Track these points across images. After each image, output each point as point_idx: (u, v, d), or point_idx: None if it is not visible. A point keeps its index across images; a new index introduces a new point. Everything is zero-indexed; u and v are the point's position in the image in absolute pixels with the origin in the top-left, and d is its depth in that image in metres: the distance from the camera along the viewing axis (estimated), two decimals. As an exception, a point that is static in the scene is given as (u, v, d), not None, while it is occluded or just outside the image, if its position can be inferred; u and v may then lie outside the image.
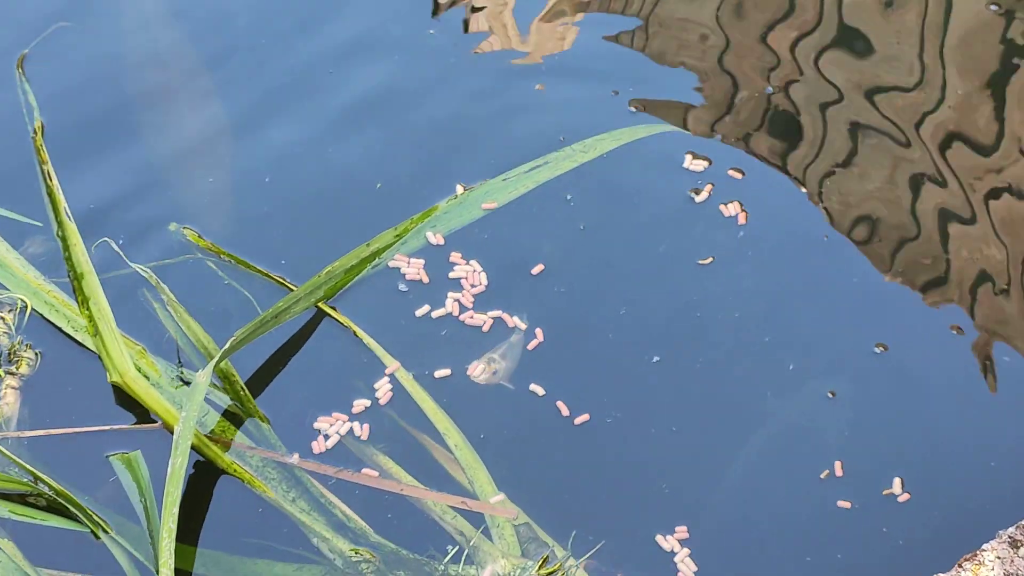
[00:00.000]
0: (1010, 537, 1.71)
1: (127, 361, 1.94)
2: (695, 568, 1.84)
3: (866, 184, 2.31)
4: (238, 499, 1.89)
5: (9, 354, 2.01)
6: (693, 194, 2.25)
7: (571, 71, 2.45)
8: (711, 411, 1.99)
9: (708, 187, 2.25)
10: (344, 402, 1.99)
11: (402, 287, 2.14)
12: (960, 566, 1.68)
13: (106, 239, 2.09)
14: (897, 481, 1.92)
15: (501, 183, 2.26)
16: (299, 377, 2.03)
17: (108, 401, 1.97)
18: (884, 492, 1.92)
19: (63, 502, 1.84)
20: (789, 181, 2.30)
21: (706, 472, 1.93)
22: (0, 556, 1.81)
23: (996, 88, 2.44)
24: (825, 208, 2.27)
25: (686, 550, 1.85)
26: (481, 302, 2.11)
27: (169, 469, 1.77)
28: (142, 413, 1.96)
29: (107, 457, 1.91)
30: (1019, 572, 1.67)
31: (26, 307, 2.05)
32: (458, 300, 2.10)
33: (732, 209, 2.23)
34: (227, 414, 1.97)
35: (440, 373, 2.03)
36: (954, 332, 2.10)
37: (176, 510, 1.74)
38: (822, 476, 1.92)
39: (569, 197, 2.23)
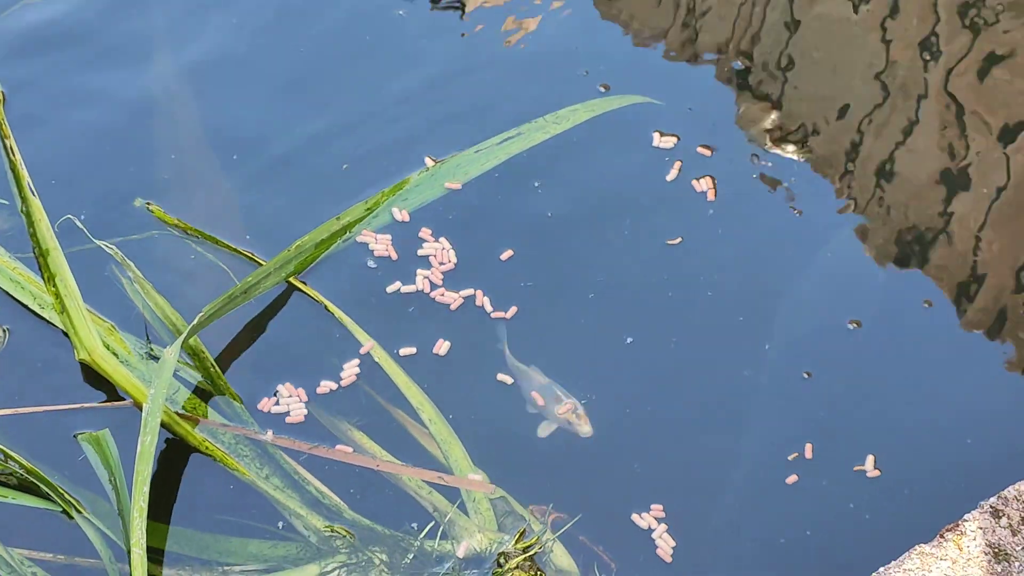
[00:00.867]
0: (991, 507, 1.71)
1: (95, 338, 1.91)
2: (673, 544, 1.84)
3: (838, 158, 2.31)
4: (211, 477, 1.87)
5: (-26, 333, 1.99)
6: (663, 172, 2.23)
7: (544, 50, 2.43)
8: (685, 391, 1.98)
9: (677, 164, 2.24)
10: (316, 377, 1.97)
11: (371, 263, 2.12)
12: (942, 536, 1.68)
13: (70, 216, 2.06)
14: (870, 459, 1.92)
15: (473, 155, 2.24)
16: (270, 353, 2.01)
17: (77, 379, 1.95)
18: (855, 468, 1.91)
19: (34, 481, 1.81)
20: (760, 156, 2.29)
21: (680, 452, 1.92)
22: (-30, 537, 1.79)
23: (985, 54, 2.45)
24: (795, 182, 2.26)
25: (663, 526, 1.84)
26: (451, 280, 2.09)
27: (139, 447, 1.74)
28: (112, 391, 1.94)
29: (75, 436, 1.89)
30: (1001, 542, 1.67)
31: (-9, 285, 2.02)
32: (428, 277, 2.08)
33: (703, 185, 2.21)
34: (198, 391, 1.95)
35: (405, 351, 2.01)
36: (926, 306, 2.11)
37: (147, 488, 1.72)
38: (790, 458, 1.91)
39: (537, 184, 2.20)
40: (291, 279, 2.06)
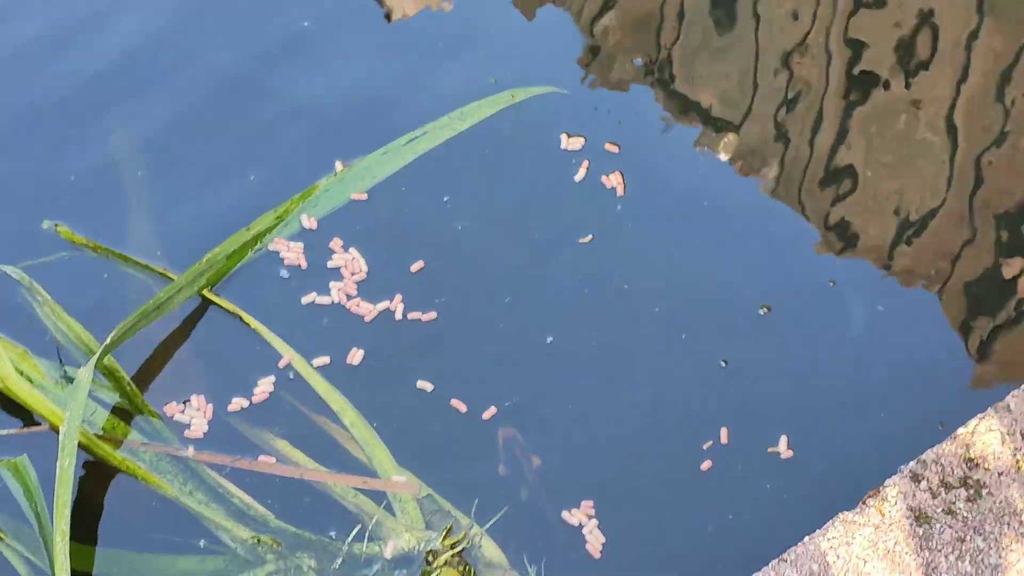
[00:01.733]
0: (911, 472, 1.74)
1: (7, 364, 1.90)
2: (603, 539, 1.85)
3: (746, 142, 2.33)
4: (134, 496, 1.87)
5: None
6: (571, 173, 2.24)
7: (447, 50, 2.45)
8: (607, 387, 1.99)
9: (584, 163, 2.25)
10: (235, 389, 1.97)
11: (283, 273, 2.12)
12: (864, 503, 1.71)
13: (-26, 242, 2.06)
14: (783, 440, 1.94)
15: (381, 157, 2.24)
16: (188, 368, 2.01)
17: (-9, 406, 1.95)
18: (769, 451, 1.93)
19: (-47, 512, 1.82)
20: (666, 149, 2.31)
21: (602, 448, 1.93)
22: None
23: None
24: (702, 172, 2.28)
25: (594, 522, 1.85)
26: (364, 290, 2.09)
27: (57, 470, 1.74)
28: (28, 416, 1.93)
29: (-8, 464, 1.89)
30: (922, 505, 1.70)
31: (-100, 318, 2.02)
32: (341, 289, 2.08)
33: (612, 181, 2.22)
34: (116, 411, 1.95)
35: (319, 361, 2.01)
36: (831, 285, 2.13)
37: (68, 512, 1.71)
38: (704, 447, 1.93)
39: (446, 199, 2.20)
40: (205, 292, 2.06)
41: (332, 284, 2.08)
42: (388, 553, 1.80)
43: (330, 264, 2.11)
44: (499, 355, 2.01)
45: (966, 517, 1.69)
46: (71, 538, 1.71)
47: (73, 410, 1.79)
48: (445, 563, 1.79)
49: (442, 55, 2.43)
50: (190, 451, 1.90)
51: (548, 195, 2.21)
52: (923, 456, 1.77)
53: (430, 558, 1.80)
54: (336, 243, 2.13)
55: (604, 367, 2.00)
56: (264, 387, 1.97)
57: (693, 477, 1.90)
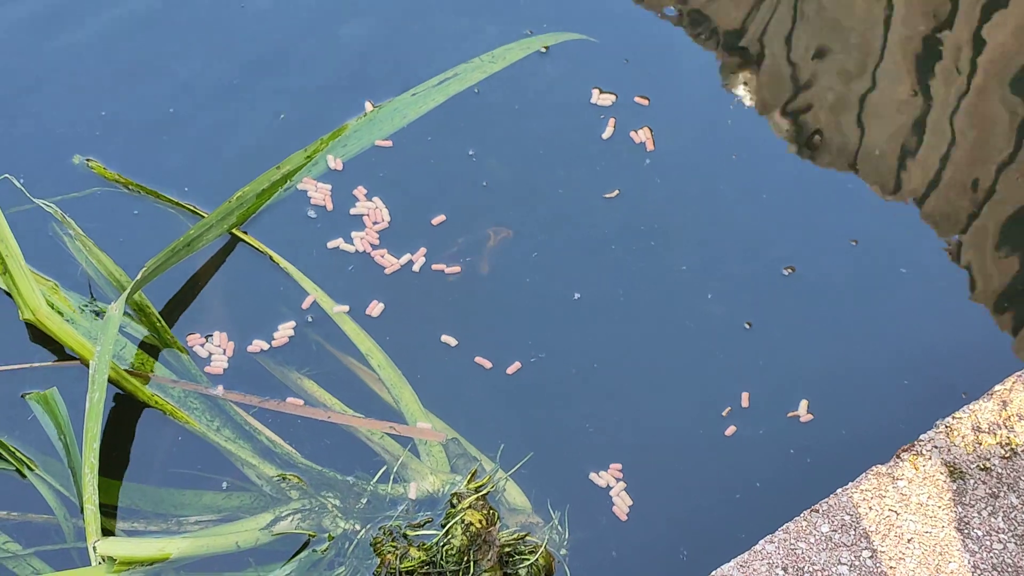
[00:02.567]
0: (946, 427, 1.74)
1: (38, 298, 1.91)
2: (630, 502, 1.85)
3: (776, 98, 2.32)
4: (162, 431, 1.88)
5: (-84, 296, 1.98)
6: (600, 130, 2.22)
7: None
8: (633, 346, 1.99)
9: (612, 121, 2.23)
10: (264, 328, 1.98)
11: (311, 213, 2.12)
12: (898, 457, 1.72)
13: (7, 175, 2.05)
14: (803, 403, 1.94)
15: (410, 98, 2.23)
16: (217, 305, 2.01)
17: (23, 339, 1.94)
18: (788, 415, 1.93)
19: (-15, 441, 1.83)
20: (697, 103, 2.29)
21: (627, 409, 1.92)
22: (-78, 500, 1.80)
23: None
24: (732, 125, 2.27)
25: (622, 484, 1.85)
26: (386, 241, 2.08)
27: (87, 404, 1.75)
28: (58, 349, 1.94)
29: (23, 396, 1.90)
30: (956, 460, 1.71)
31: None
32: (364, 238, 2.08)
33: (641, 136, 2.21)
34: (145, 346, 1.95)
35: (339, 309, 2.01)
36: (852, 244, 2.12)
37: (97, 445, 1.73)
38: (724, 414, 1.93)
39: (471, 152, 2.19)
40: (234, 230, 2.06)
41: (355, 234, 2.07)
42: (412, 494, 1.81)
43: (352, 211, 2.10)
44: (525, 311, 2.01)
45: (1000, 474, 1.69)
46: (98, 471, 1.72)
47: (104, 344, 1.80)
48: (469, 506, 1.80)
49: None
50: (219, 390, 1.91)
51: (576, 150, 2.20)
52: (959, 412, 1.77)
53: (455, 500, 1.81)
54: (360, 191, 2.12)
55: (630, 326, 2.00)
56: (289, 328, 1.97)
57: (718, 442, 1.89)
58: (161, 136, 2.20)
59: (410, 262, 2.05)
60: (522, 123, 2.23)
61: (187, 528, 1.80)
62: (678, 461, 1.87)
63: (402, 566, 1.73)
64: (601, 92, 2.27)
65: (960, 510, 1.66)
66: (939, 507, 1.66)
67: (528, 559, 1.76)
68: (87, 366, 1.87)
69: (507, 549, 1.76)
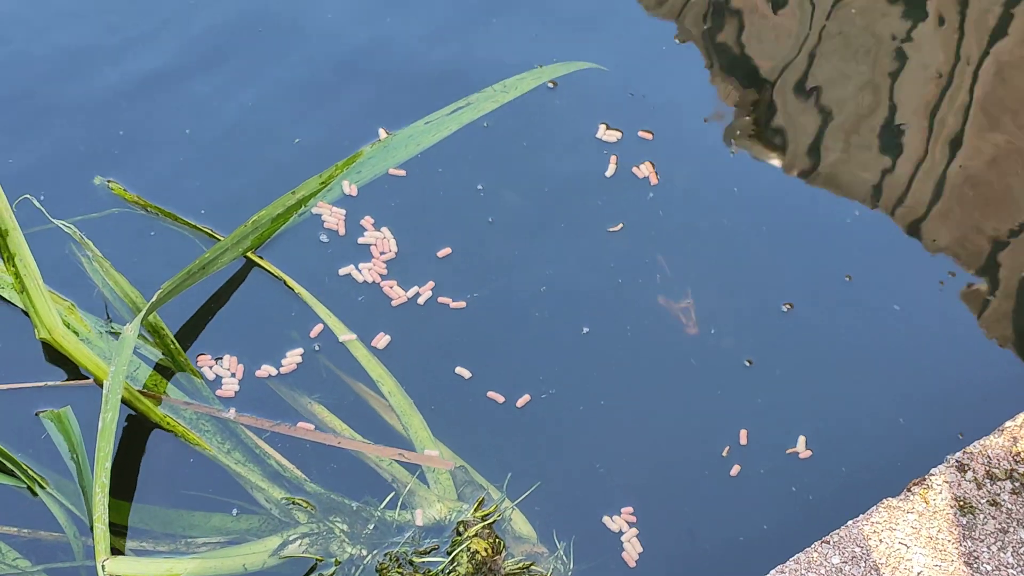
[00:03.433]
0: (957, 462, 1.76)
1: (55, 317, 1.92)
2: (640, 549, 1.85)
3: (778, 131, 2.34)
4: (173, 452, 1.89)
5: (-67, 313, 2.00)
6: (604, 166, 2.24)
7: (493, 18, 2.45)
8: (639, 382, 2.00)
9: (614, 159, 2.24)
10: (274, 353, 1.99)
11: (323, 238, 2.13)
12: (909, 490, 1.73)
13: (27, 196, 2.07)
14: (801, 440, 1.95)
15: (424, 126, 2.25)
16: (230, 328, 2.02)
17: (38, 358, 1.96)
18: (787, 451, 1.94)
19: (-2, 459, 1.84)
20: (699, 136, 2.31)
21: (633, 448, 1.93)
22: (-66, 515, 1.81)
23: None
24: (735, 156, 2.29)
25: (634, 530, 1.86)
26: (395, 271, 2.09)
27: (100, 424, 1.76)
28: (73, 369, 1.95)
29: (37, 414, 1.91)
30: (966, 495, 1.72)
31: (-52, 264, 2.03)
32: (372, 268, 2.09)
33: (644, 171, 2.23)
34: (159, 368, 1.97)
35: (346, 338, 2.02)
36: (847, 280, 2.14)
37: (108, 465, 1.74)
38: (724, 453, 1.94)
39: (480, 187, 2.21)
40: (248, 254, 2.08)
41: (363, 265, 2.09)
42: (419, 521, 1.82)
43: (360, 240, 2.12)
44: (535, 345, 2.02)
45: (1010, 509, 1.70)
46: (109, 490, 1.73)
47: (118, 365, 1.81)
48: (475, 534, 1.81)
49: (488, 24, 2.43)
50: (231, 413, 1.92)
51: (581, 184, 2.22)
52: (970, 447, 1.79)
53: (461, 528, 1.82)
54: (369, 221, 2.13)
55: (637, 360, 2.02)
56: (297, 354, 1.99)
57: (724, 482, 1.90)
58: (178, 157, 2.22)
59: (417, 294, 2.07)
60: (529, 157, 2.25)
61: (195, 549, 1.80)
62: (685, 503, 1.88)
63: (409, 593, 1.74)
64: (608, 128, 2.29)
65: (970, 544, 1.67)
66: (949, 541, 1.67)
67: (533, 589, 1.77)
68: (101, 386, 1.88)
69: (512, 579, 1.77)
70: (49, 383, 1.94)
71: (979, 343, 2.06)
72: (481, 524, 1.82)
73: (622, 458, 1.91)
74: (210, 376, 1.96)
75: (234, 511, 1.84)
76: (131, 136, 2.25)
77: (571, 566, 1.80)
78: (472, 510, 1.84)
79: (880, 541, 1.67)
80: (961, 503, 1.71)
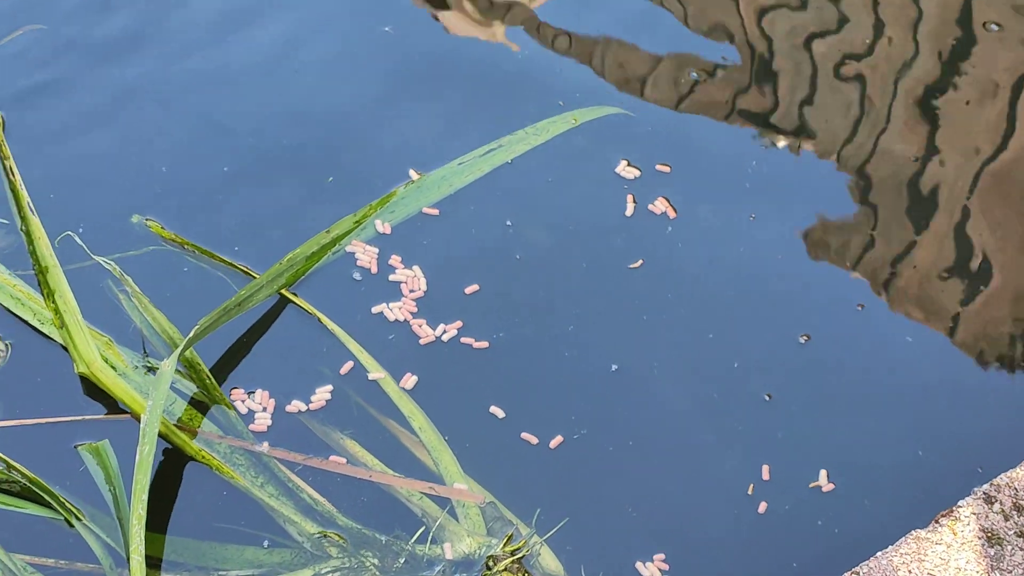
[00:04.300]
0: (984, 494, 1.77)
1: (93, 352, 1.96)
2: None
3: (787, 165, 2.37)
4: (207, 486, 1.92)
5: (-23, 347, 2.04)
6: (624, 201, 2.27)
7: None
8: (667, 419, 2.01)
9: (630, 197, 2.27)
10: (305, 389, 2.02)
11: (356, 276, 2.16)
12: (937, 522, 1.74)
13: (69, 232, 2.11)
14: (822, 473, 1.96)
15: (457, 167, 2.29)
16: (264, 364, 2.05)
17: (77, 392, 1.99)
18: (810, 485, 1.95)
19: (36, 490, 1.86)
20: (716, 168, 2.34)
21: (664, 487, 1.94)
22: (-26, 544, 1.84)
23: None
24: (749, 188, 2.31)
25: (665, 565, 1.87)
26: (425, 310, 2.12)
27: (137, 457, 1.79)
28: (111, 403, 1.98)
29: (75, 447, 1.94)
30: (994, 527, 1.73)
31: (-10, 300, 2.08)
32: (402, 307, 2.11)
33: (659, 207, 2.26)
34: (194, 402, 2.00)
35: (375, 375, 2.04)
36: (859, 309, 2.15)
37: (145, 497, 1.76)
38: (749, 491, 1.94)
39: (509, 223, 2.24)
40: (282, 291, 2.11)
41: (393, 304, 2.12)
42: (449, 555, 1.84)
43: (391, 277, 2.15)
44: (566, 384, 2.04)
45: (1038, 540, 1.72)
46: (145, 524, 1.76)
47: (155, 399, 1.84)
48: (504, 569, 1.82)
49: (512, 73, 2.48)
50: (265, 447, 1.95)
51: (602, 220, 2.25)
52: (996, 480, 1.80)
53: (490, 563, 1.83)
54: (400, 259, 2.16)
55: (664, 397, 2.03)
56: (326, 391, 2.01)
57: (753, 521, 1.91)
58: (216, 196, 2.26)
59: (444, 332, 2.09)
60: (553, 194, 2.28)
61: (228, 582, 1.83)
62: (716, 546, 1.89)
63: (438, 626, 1.75)
64: (628, 164, 2.32)
65: (998, 575, 1.67)
66: (977, 572, 1.68)
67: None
68: (138, 420, 1.91)
69: (541, 613, 1.78)
70: (87, 417, 1.97)
71: (993, 377, 2.07)
72: (510, 559, 1.83)
73: (651, 499, 1.92)
74: (243, 410, 1.99)
75: (266, 544, 1.86)
76: (172, 174, 2.30)
77: (600, 603, 1.82)
78: (501, 545, 1.85)
79: (909, 572, 1.68)
80: (989, 534, 1.72)
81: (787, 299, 2.16)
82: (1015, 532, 1.72)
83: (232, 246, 2.18)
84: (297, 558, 1.85)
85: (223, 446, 1.95)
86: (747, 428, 2.00)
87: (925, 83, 2.50)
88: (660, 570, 1.87)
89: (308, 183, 2.28)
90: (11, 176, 2.19)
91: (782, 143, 2.37)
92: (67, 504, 1.86)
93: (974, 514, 1.73)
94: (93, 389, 1.98)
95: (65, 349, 2.00)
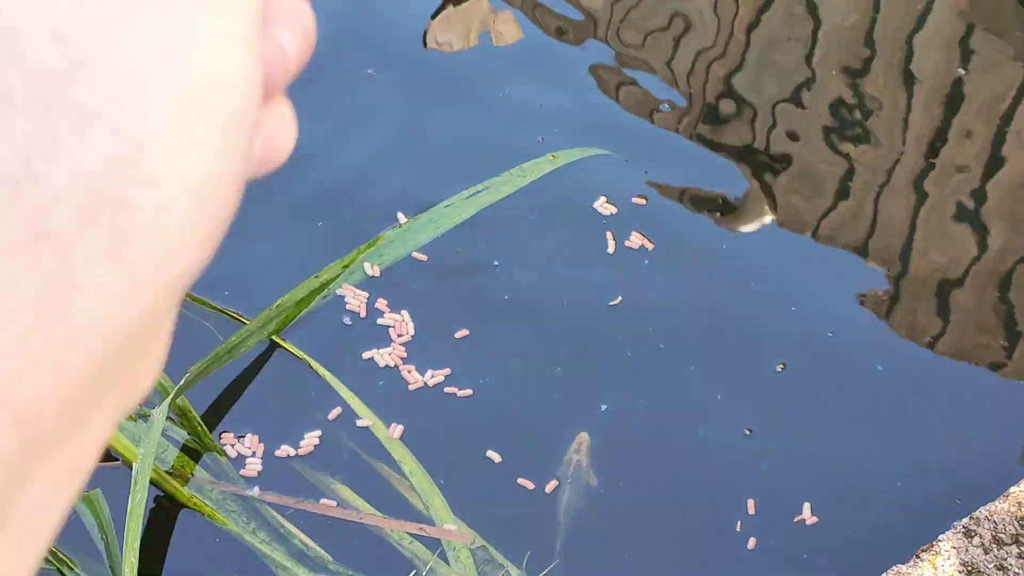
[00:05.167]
0: (964, 528, 1.78)
1: (85, 401, 1.97)
2: None
3: (764, 187, 2.39)
4: (199, 532, 1.93)
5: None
6: (603, 238, 2.29)
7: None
8: (656, 459, 2.02)
9: (610, 235, 2.29)
10: (295, 434, 2.03)
11: (346, 320, 2.18)
12: (917, 557, 1.75)
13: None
14: (806, 506, 1.97)
15: (443, 210, 2.31)
16: (254, 409, 2.07)
17: (68, 441, 2.01)
18: (795, 520, 1.97)
19: (26, 542, 1.87)
20: (692, 195, 2.36)
21: (656, 530, 1.95)
22: (-35, 597, 1.84)
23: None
24: (720, 215, 2.33)
25: None
26: (414, 355, 2.13)
27: (129, 505, 1.81)
28: (104, 451, 1.99)
29: (67, 496, 1.95)
30: (974, 560, 1.74)
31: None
32: (392, 352, 2.13)
33: (635, 242, 2.28)
34: (185, 449, 2.01)
35: (363, 423, 2.05)
36: (830, 336, 2.17)
37: (137, 545, 1.77)
38: (738, 528, 1.96)
39: (496, 263, 2.27)
40: (272, 336, 2.13)
41: (382, 350, 2.13)
42: (440, 599, 1.85)
43: (380, 321, 2.17)
44: (557, 426, 2.05)
45: (1017, 573, 1.72)
46: (138, 571, 1.77)
47: (147, 447, 1.86)
48: (496, 612, 1.83)
49: (498, 112, 2.51)
50: (256, 491, 1.96)
51: (582, 259, 2.27)
52: (976, 513, 1.80)
53: (481, 607, 1.84)
54: (387, 303, 2.18)
55: (651, 435, 2.04)
56: (315, 436, 2.03)
57: (743, 558, 1.92)
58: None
59: (432, 377, 2.10)
60: (537, 232, 2.30)
61: (221, 628, 1.83)
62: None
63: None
64: (607, 201, 2.35)
65: (978, 609, 1.69)
66: (958, 608, 1.69)
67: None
68: (130, 467, 1.93)
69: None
70: (79, 465, 1.98)
71: (971, 404, 2.08)
72: (501, 602, 1.84)
73: (646, 542, 1.93)
74: (232, 454, 2.01)
75: (275, 569, 1.87)
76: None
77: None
78: (492, 588, 1.86)
79: (892, 606, 1.69)
80: (969, 568, 1.73)
81: (762, 327, 2.17)
82: (995, 565, 1.73)
83: (222, 291, 2.19)
84: (289, 603, 1.86)
85: (215, 492, 1.97)
86: (730, 461, 2.02)
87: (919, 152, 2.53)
88: None
89: (298, 227, 2.30)
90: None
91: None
92: (59, 554, 1.88)
93: (954, 548, 1.75)
94: (84, 438, 1.99)
95: (57, 398, 2.02)
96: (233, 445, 2.02)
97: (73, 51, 0.27)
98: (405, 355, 2.13)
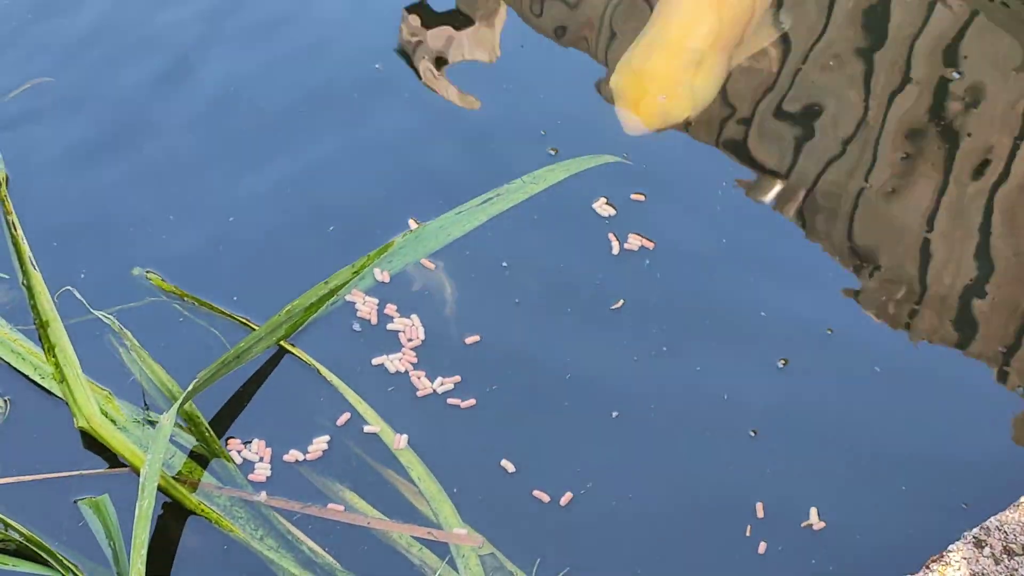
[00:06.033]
0: (975, 538, 1.76)
1: (93, 406, 1.97)
2: None
3: (764, 179, 2.38)
4: (207, 539, 1.92)
5: (-23, 403, 2.05)
6: (604, 239, 2.28)
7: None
8: (667, 464, 2.00)
9: (612, 236, 2.28)
10: (303, 440, 2.03)
11: (356, 327, 2.17)
12: (927, 567, 1.73)
13: (69, 288, 2.13)
14: (813, 511, 1.96)
15: (455, 216, 2.31)
16: (262, 415, 2.06)
17: (76, 446, 2.00)
18: (802, 525, 1.95)
19: (33, 548, 1.86)
20: (692, 191, 2.36)
21: (670, 538, 1.94)
22: (-28, 603, 1.84)
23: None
24: (720, 211, 2.33)
25: None
26: (424, 361, 2.12)
27: (136, 511, 1.80)
28: (110, 457, 1.99)
29: (75, 502, 1.95)
30: (985, 571, 1.72)
31: (-9, 355, 2.09)
32: (402, 358, 2.12)
33: (634, 244, 2.26)
34: (193, 455, 2.01)
35: (369, 429, 2.04)
36: (828, 332, 2.15)
37: (144, 551, 1.77)
38: (747, 533, 1.94)
39: (505, 264, 2.25)
40: (281, 342, 2.13)
41: (392, 355, 2.12)
42: (448, 606, 1.84)
43: (390, 327, 2.16)
44: (569, 434, 2.04)
45: (1028, 583, 1.71)
46: (145, 577, 1.77)
47: (155, 453, 1.85)
48: (504, 620, 1.82)
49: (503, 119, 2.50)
50: (263, 496, 1.95)
51: (583, 260, 2.26)
52: (987, 523, 1.79)
53: (490, 614, 1.83)
54: (397, 309, 2.17)
55: (663, 441, 2.03)
56: (323, 441, 2.02)
57: (754, 564, 1.91)
58: (217, 246, 2.28)
59: (442, 384, 2.09)
60: (541, 233, 2.29)
61: (228, 635, 1.83)
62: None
63: None
64: (607, 202, 2.33)
65: (989, 618, 1.67)
66: (969, 616, 1.67)
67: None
68: (137, 474, 1.92)
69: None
70: (87, 472, 1.98)
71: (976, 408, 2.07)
72: (510, 610, 1.83)
73: (657, 551, 1.92)
74: (240, 460, 2.00)
75: None
76: (175, 224, 2.32)
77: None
78: (501, 596, 1.85)
79: (903, 616, 1.68)
80: (979, 578, 1.72)
81: (762, 323, 2.16)
82: (1006, 575, 1.72)
83: (231, 296, 2.19)
84: (297, 610, 1.86)
85: (222, 498, 1.96)
86: (737, 463, 2.00)
87: (909, 125, 2.51)
88: None
89: (308, 233, 2.30)
90: (14, 231, 2.22)
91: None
92: (65, 561, 1.87)
93: (964, 559, 1.73)
94: (92, 443, 1.99)
95: (65, 403, 2.02)
96: (240, 451, 2.01)
97: None
98: (416, 361, 2.12)
